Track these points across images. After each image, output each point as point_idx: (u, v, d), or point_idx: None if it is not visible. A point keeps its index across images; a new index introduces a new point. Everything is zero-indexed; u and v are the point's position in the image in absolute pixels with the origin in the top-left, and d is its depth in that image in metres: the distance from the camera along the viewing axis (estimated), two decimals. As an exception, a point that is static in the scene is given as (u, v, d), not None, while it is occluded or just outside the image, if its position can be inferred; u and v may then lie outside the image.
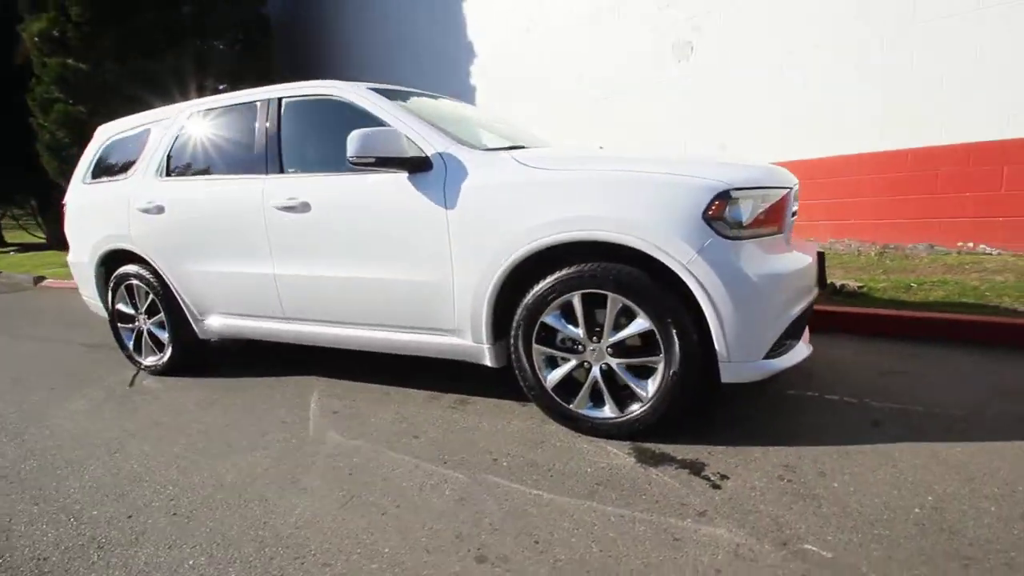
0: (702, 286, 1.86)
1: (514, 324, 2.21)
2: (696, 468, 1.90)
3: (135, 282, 3.34)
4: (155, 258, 3.18)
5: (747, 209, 1.90)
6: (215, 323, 3.15)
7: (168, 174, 3.21)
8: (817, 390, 2.47)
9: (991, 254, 4.55)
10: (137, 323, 3.45)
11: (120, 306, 3.49)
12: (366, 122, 2.50)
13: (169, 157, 3.20)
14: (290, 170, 2.71)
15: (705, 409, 2.28)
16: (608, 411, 2.12)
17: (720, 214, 1.87)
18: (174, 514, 1.84)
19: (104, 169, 3.58)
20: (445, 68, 8.49)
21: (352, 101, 2.57)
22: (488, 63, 8.00)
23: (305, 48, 10.96)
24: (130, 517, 1.85)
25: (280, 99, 2.82)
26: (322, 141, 2.70)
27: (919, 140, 4.82)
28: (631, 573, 1.42)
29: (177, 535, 1.72)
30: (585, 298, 2.06)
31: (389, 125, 2.43)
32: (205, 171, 3.02)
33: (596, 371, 2.12)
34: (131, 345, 3.49)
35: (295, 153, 2.70)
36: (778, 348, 1.99)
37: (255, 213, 2.76)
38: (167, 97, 7.40)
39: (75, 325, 5.13)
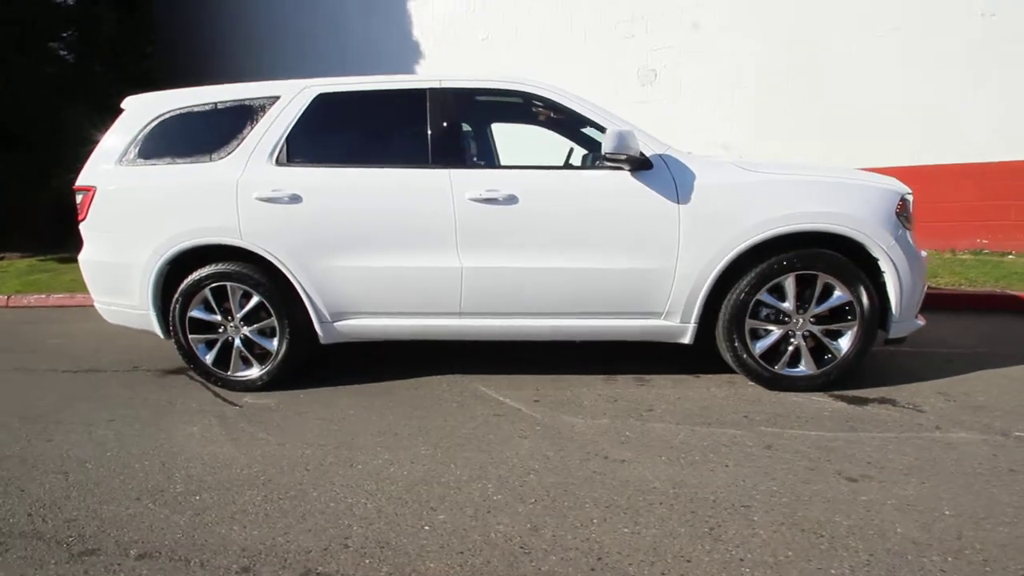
0: (894, 265, 2.50)
1: (730, 303, 2.60)
2: (893, 402, 2.53)
3: (231, 284, 2.84)
4: (279, 254, 2.76)
5: (910, 207, 2.61)
6: (349, 325, 2.86)
7: (289, 159, 2.82)
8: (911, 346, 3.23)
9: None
10: (226, 332, 2.91)
11: (196, 313, 2.90)
12: (569, 120, 2.65)
13: (288, 140, 2.81)
14: (479, 163, 2.68)
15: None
16: (805, 368, 2.65)
17: (902, 211, 2.54)
18: (547, 492, 1.84)
19: (163, 149, 2.92)
20: (384, 66, 8.17)
21: (555, 99, 2.67)
22: (437, 66, 7.95)
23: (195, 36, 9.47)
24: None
25: (454, 89, 2.74)
26: (513, 135, 2.72)
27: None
28: (964, 475, 1.93)
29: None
30: (796, 278, 2.56)
31: (601, 124, 2.62)
32: (350, 159, 2.75)
33: (799, 337, 2.63)
34: (210, 358, 2.93)
35: (482, 146, 2.68)
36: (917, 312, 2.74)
37: (442, 205, 2.65)
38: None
39: (60, 349, 3.94)
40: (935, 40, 5.56)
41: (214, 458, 2.24)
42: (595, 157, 2.41)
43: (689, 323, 2.69)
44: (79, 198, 3.00)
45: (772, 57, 6.19)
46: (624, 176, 2.58)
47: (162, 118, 2.94)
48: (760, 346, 2.65)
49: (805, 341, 2.63)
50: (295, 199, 2.73)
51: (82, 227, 3.01)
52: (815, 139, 6.02)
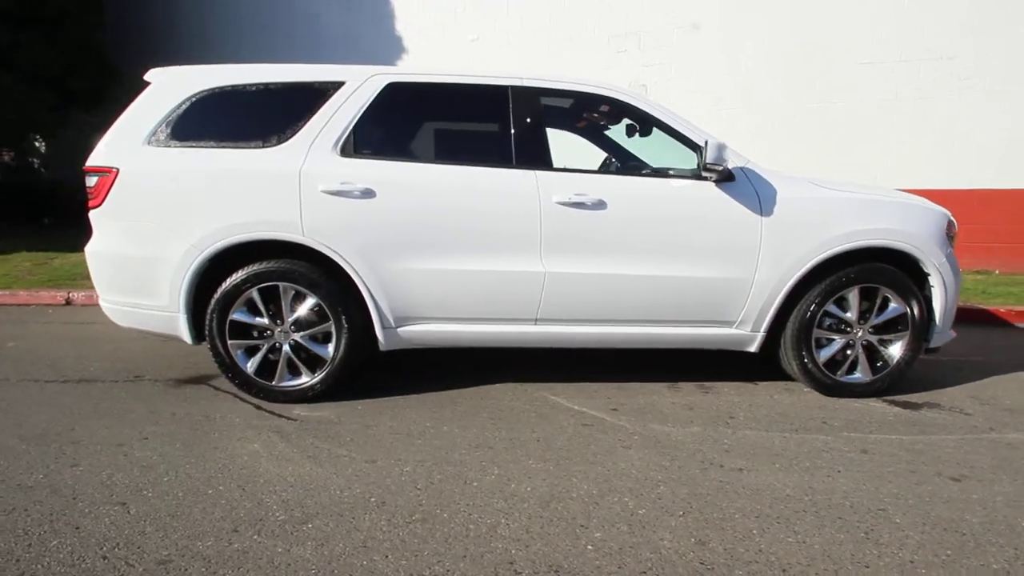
0: (942, 280, 2.72)
1: (799, 313, 2.70)
2: (939, 406, 2.74)
3: (284, 284, 2.55)
4: (346, 253, 2.52)
5: (955, 228, 2.85)
6: (414, 331, 2.66)
7: (356, 151, 2.58)
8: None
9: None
10: (272, 337, 2.61)
11: (239, 316, 2.58)
12: (655, 127, 2.65)
13: (355, 130, 2.58)
14: (561, 166, 2.60)
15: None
16: (861, 376, 2.81)
17: (949, 232, 2.78)
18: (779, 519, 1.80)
19: (203, 130, 2.57)
20: (360, 59, 7.81)
21: (644, 108, 2.66)
22: (423, 64, 7.71)
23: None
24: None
25: (537, 89, 2.65)
26: (598, 139, 2.67)
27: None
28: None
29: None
30: (858, 292, 2.71)
31: (687, 135, 2.65)
32: (424, 154, 2.57)
33: (858, 346, 2.79)
34: (251, 367, 2.61)
35: (565, 148, 2.61)
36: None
37: (527, 208, 2.54)
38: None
39: (26, 356, 3.29)
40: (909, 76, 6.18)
41: (302, 479, 1.99)
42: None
43: (759, 332, 2.77)
44: (92, 180, 2.58)
45: (761, 75, 6.56)
46: (709, 186, 2.62)
47: (201, 95, 2.60)
48: (823, 355, 2.79)
49: (863, 350, 2.81)
50: (367, 194, 2.51)
51: (95, 214, 2.59)
52: (806, 156, 6.40)
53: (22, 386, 2.87)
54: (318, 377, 2.64)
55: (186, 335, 2.62)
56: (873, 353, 2.82)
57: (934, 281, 2.75)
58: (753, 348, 2.82)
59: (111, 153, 2.56)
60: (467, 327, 2.69)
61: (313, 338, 2.65)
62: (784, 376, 3.01)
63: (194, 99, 2.60)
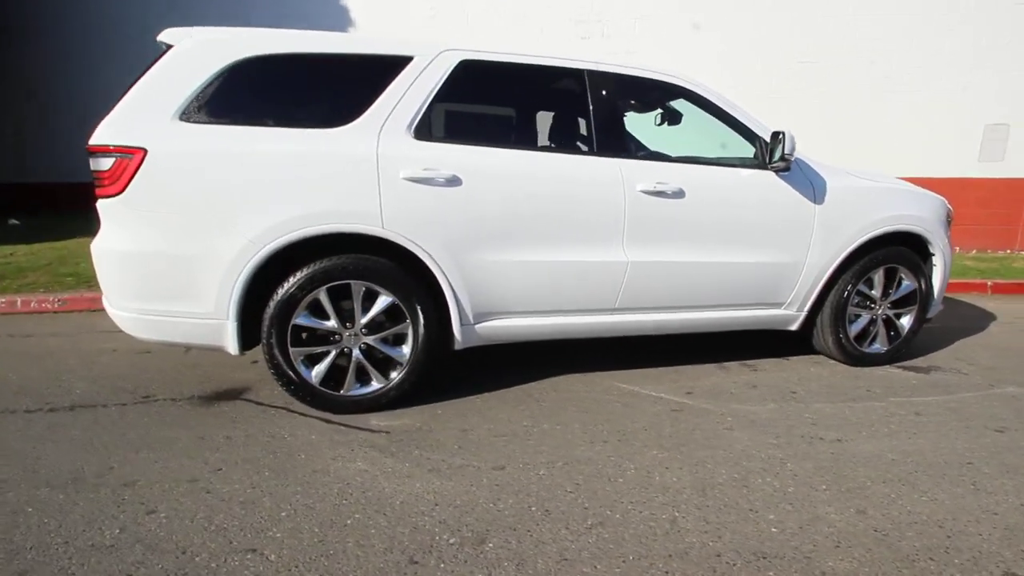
0: (943, 259, 3.13)
1: (838, 292, 2.96)
2: (939, 369, 3.16)
3: (356, 282, 2.26)
4: (431, 246, 2.28)
5: (952, 214, 3.26)
6: (492, 327, 2.52)
7: (432, 134, 2.34)
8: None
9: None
10: (340, 342, 2.31)
11: (302, 320, 2.25)
12: (717, 118, 2.71)
13: (429, 111, 2.33)
14: (640, 154, 2.57)
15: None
16: (879, 346, 3.15)
17: (948, 217, 3.18)
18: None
19: (244, 105, 2.17)
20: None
21: (712, 100, 2.70)
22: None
23: None
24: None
25: (613, 75, 2.58)
26: (668, 126, 2.66)
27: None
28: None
29: None
30: (883, 272, 3.03)
31: (744, 124, 2.74)
32: (503, 139, 2.38)
33: (879, 320, 3.11)
34: (315, 376, 2.30)
35: (641, 136, 2.58)
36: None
37: (612, 196, 2.49)
38: None
39: (76, 374, 2.50)
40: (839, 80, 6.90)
41: (442, 496, 1.81)
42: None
43: (803, 312, 3.00)
44: (104, 163, 2.09)
45: (725, 64, 6.94)
46: (771, 175, 2.75)
47: (242, 64, 2.20)
48: (853, 330, 3.08)
49: (882, 324, 3.15)
50: (453, 181, 2.30)
51: (110, 204, 2.11)
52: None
53: (4, 419, 2.29)
54: (393, 382, 2.41)
55: (233, 345, 2.25)
56: (889, 326, 3.18)
57: (936, 261, 3.15)
58: (795, 327, 3.05)
59: (133, 130, 2.09)
60: (546, 320, 2.60)
61: (384, 340, 2.41)
62: (806, 351, 3.30)
63: (234, 68, 2.19)
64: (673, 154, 2.93)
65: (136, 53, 8.35)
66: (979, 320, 4.29)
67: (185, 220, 2.12)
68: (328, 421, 2.34)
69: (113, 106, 2.20)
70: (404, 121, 2.31)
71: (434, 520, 1.70)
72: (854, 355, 3.10)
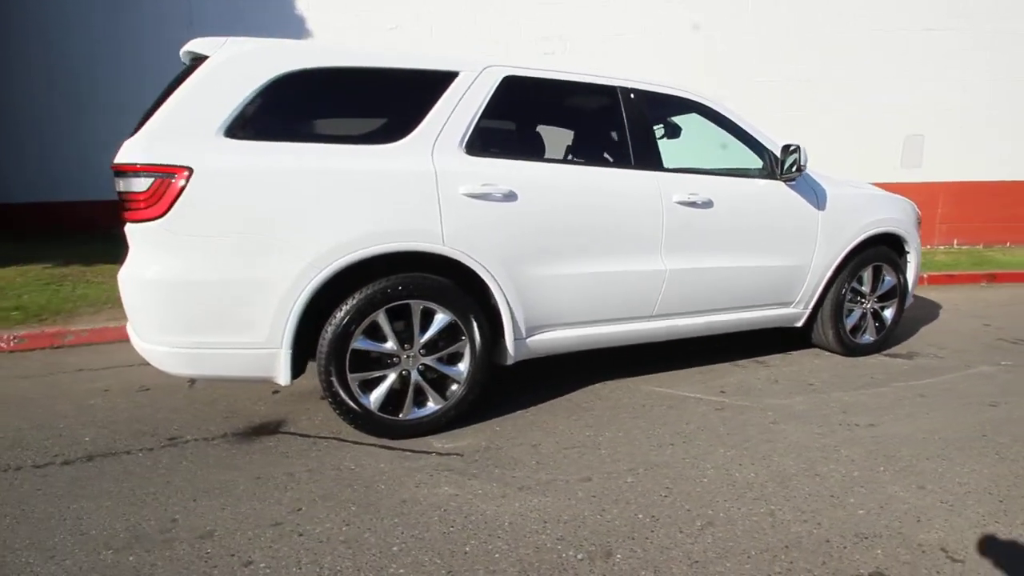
0: (916, 257, 3.50)
1: (837, 289, 3.23)
2: (919, 354, 3.52)
3: (415, 301, 2.18)
4: (489, 262, 2.25)
5: (920, 217, 3.65)
6: (542, 340, 2.52)
7: (483, 149, 2.31)
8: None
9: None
10: (398, 364, 2.21)
11: (360, 344, 2.13)
12: (730, 132, 2.90)
13: (479, 126, 2.30)
14: (669, 167, 2.68)
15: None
16: (869, 337, 3.46)
17: (918, 219, 3.55)
18: None
19: (297, 120, 2.05)
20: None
21: (727, 116, 2.87)
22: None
23: None
24: None
25: (640, 91, 2.68)
26: (691, 140, 2.79)
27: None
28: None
29: None
30: (871, 270, 3.34)
31: (754, 137, 2.95)
32: (548, 154, 2.40)
33: (868, 314, 3.42)
34: (375, 402, 2.19)
35: (668, 150, 2.69)
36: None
37: (652, 208, 2.58)
38: None
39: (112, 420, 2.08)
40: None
41: (545, 513, 1.80)
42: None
43: (808, 309, 3.25)
44: (140, 183, 1.89)
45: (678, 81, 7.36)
46: (782, 185, 2.97)
47: (287, 77, 2.08)
48: (849, 323, 3.37)
49: (871, 317, 3.47)
50: (510, 196, 2.29)
51: (148, 229, 1.91)
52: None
53: (12, 478, 1.99)
54: (451, 402, 2.34)
55: (285, 375, 2.10)
56: (876, 318, 3.50)
57: (911, 258, 3.53)
58: (800, 323, 3.30)
59: (174, 147, 1.91)
60: (591, 330, 2.64)
61: (440, 360, 2.34)
62: (799, 345, 3.57)
63: (279, 81, 2.07)
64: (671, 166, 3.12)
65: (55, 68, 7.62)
66: (930, 309, 4.82)
67: (236, 244, 1.97)
68: (389, 448, 2.24)
69: (140, 122, 2.02)
70: (456, 137, 2.29)
71: (552, 538, 1.68)
72: (850, 346, 3.40)
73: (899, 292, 3.49)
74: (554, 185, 2.43)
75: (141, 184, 1.90)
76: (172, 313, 1.97)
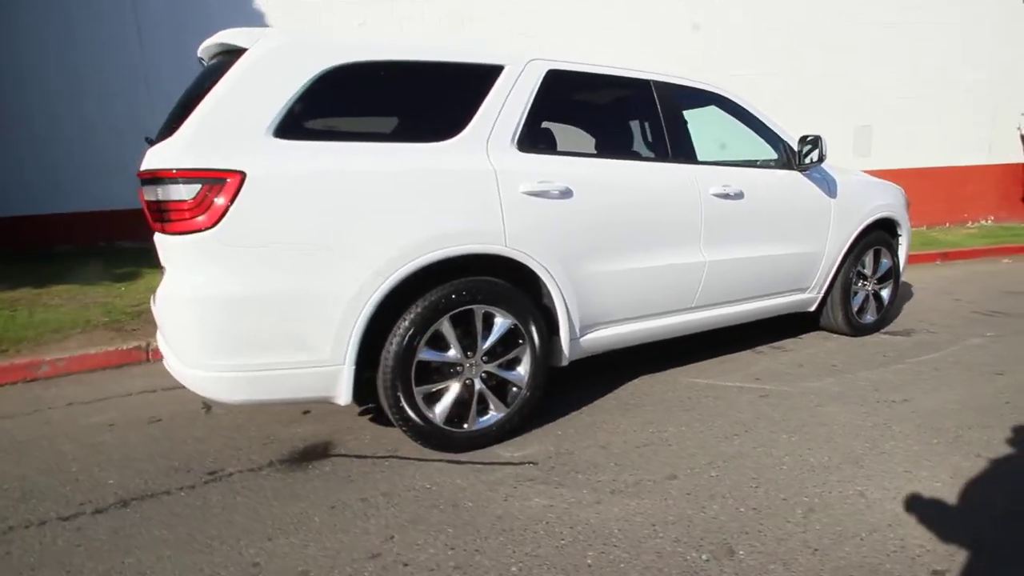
0: (907, 239, 3.72)
1: (846, 273, 3.38)
2: (913, 331, 3.74)
3: (477, 306, 2.07)
4: (548, 261, 2.17)
5: (908, 202, 3.88)
6: (594, 338, 2.47)
7: (532, 145, 2.22)
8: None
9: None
10: (462, 374, 2.09)
11: (425, 355, 2.00)
12: (747, 124, 2.97)
13: (527, 121, 2.21)
14: (702, 159, 2.70)
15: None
16: (871, 317, 3.65)
17: (907, 203, 3.77)
18: None
19: (346, 117, 1.88)
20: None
21: (746, 108, 2.92)
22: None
23: None
24: None
25: (671, 85, 2.69)
26: (725, 132, 2.82)
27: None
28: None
29: None
30: (872, 253, 3.52)
31: (771, 129, 3.03)
32: (593, 149, 2.34)
33: (870, 295, 3.60)
34: (440, 415, 2.07)
35: (708, 142, 2.72)
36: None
37: (692, 200, 2.60)
38: None
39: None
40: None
41: (659, 518, 1.75)
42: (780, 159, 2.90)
43: (820, 294, 3.38)
44: (188, 191, 1.68)
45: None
46: (798, 175, 3.07)
47: (333, 72, 1.92)
48: (855, 305, 3.54)
49: (872, 298, 3.66)
50: (565, 194, 2.23)
51: (198, 240, 1.70)
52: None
53: (39, 534, 1.72)
54: (513, 408, 2.26)
55: (346, 394, 1.95)
56: (876, 299, 3.70)
57: (903, 241, 3.75)
58: (813, 308, 3.43)
59: (221, 149, 1.71)
60: (638, 325, 2.63)
61: (500, 366, 2.25)
62: (808, 329, 3.72)
63: (326, 76, 1.90)
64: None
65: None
66: (904, 288, 5.15)
67: (295, 254, 1.79)
68: (456, 462, 2.13)
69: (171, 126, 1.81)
70: (508, 133, 2.20)
71: (668, 540, 1.64)
72: (856, 327, 3.57)
73: (894, 273, 3.72)
74: (606, 181, 2.39)
75: (185, 191, 1.70)
76: (226, 333, 1.77)
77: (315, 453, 2.23)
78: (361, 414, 2.59)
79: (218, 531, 1.74)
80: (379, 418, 2.52)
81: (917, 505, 1.79)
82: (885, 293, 3.73)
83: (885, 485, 1.91)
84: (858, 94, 7.94)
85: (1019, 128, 8.73)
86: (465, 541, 1.66)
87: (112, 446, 2.34)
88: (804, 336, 3.67)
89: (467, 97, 2.17)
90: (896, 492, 1.87)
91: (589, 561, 1.57)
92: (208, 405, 2.72)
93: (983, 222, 8.75)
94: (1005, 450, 2.12)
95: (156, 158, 1.75)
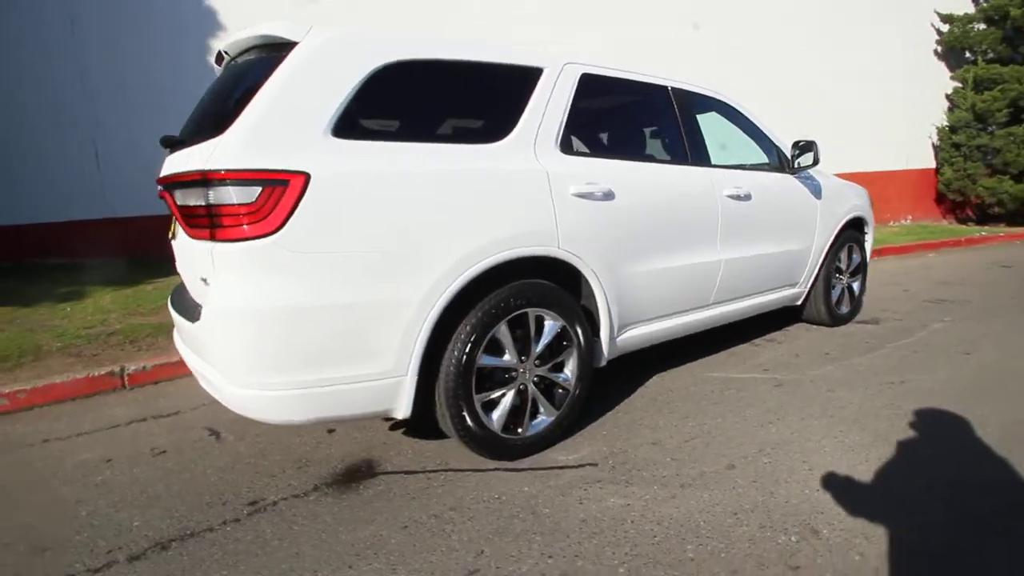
0: (871, 236, 4.06)
1: (828, 268, 3.63)
2: (881, 320, 4.09)
3: (531, 310, 2.03)
4: (594, 262, 2.16)
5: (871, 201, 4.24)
6: (628, 337, 2.50)
7: (573, 147, 2.22)
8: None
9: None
10: (516, 379, 2.04)
11: (485, 361, 1.93)
12: (744, 128, 3.14)
13: (567, 124, 2.20)
14: (714, 162, 2.81)
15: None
16: (846, 308, 3.94)
17: (871, 204, 4.12)
18: None
19: (398, 116, 1.79)
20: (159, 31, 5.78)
21: (741, 110, 3.08)
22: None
23: None
24: None
25: (683, 90, 2.79)
26: (723, 136, 2.95)
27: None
28: (994, 340, 3.49)
29: None
30: (847, 250, 3.81)
31: (765, 134, 3.21)
32: (624, 151, 2.39)
33: (845, 288, 3.89)
34: (497, 423, 2.00)
35: (709, 145, 2.83)
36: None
37: (711, 202, 2.71)
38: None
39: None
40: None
41: (733, 508, 1.80)
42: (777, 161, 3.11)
43: (806, 288, 3.62)
44: (248, 194, 1.54)
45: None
46: (792, 178, 3.28)
47: (384, 70, 1.83)
48: (833, 297, 3.82)
49: (847, 291, 3.96)
50: (608, 195, 2.25)
51: (258, 247, 1.56)
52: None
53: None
54: (563, 411, 2.23)
55: (407, 406, 1.86)
56: (849, 291, 4.01)
57: (868, 238, 4.10)
58: (800, 302, 3.66)
59: (282, 149, 1.58)
60: (665, 323, 2.69)
61: (550, 368, 2.22)
62: (791, 321, 3.97)
63: (379, 74, 1.81)
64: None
65: None
66: (856, 281, 5.63)
67: (360, 260, 1.69)
68: (514, 469, 2.08)
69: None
70: (552, 135, 2.19)
71: (752, 529, 1.69)
72: (836, 317, 3.85)
73: (863, 267, 4.05)
74: (641, 183, 2.44)
75: (243, 195, 1.55)
76: (287, 347, 1.63)
77: (360, 473, 2.10)
78: (392, 429, 2.48)
79: (289, 565, 1.59)
80: (412, 431, 2.41)
81: (962, 471, 1.96)
82: (856, 285, 4.06)
83: (919, 464, 2.06)
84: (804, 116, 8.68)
85: (930, 137, 9.85)
86: (560, 548, 1.62)
87: (120, 484, 2.08)
88: (788, 328, 3.91)
89: (512, 98, 2.15)
90: (930, 467, 2.02)
91: (690, 554, 1.58)
92: (216, 432, 2.49)
93: (903, 221, 9.75)
94: (1004, 419, 2.36)
95: (206, 158, 1.59)
